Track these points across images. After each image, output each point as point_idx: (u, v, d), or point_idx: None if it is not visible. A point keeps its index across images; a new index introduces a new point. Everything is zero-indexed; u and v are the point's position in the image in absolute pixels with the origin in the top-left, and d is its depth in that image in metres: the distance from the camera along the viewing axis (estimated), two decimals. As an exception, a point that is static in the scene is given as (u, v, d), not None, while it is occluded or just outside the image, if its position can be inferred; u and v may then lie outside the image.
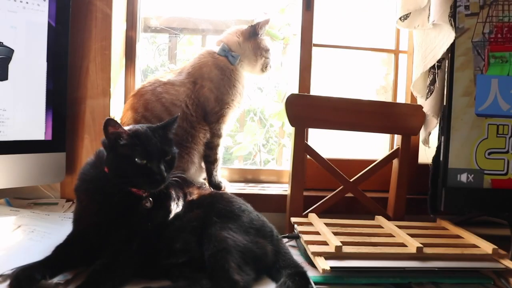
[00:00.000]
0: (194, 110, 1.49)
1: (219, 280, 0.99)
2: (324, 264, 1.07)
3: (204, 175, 1.59)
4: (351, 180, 1.54)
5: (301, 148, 1.48)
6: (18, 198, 1.55)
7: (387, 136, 1.87)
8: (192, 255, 1.08)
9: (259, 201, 1.53)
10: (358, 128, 1.54)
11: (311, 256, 1.14)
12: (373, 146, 1.92)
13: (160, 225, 1.12)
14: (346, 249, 1.15)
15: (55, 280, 1.01)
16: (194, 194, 1.24)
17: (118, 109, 1.61)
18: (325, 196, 1.54)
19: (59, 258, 1.06)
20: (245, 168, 1.86)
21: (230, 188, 1.60)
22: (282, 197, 1.59)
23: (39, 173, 1.45)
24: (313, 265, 1.17)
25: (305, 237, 1.23)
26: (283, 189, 1.70)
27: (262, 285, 1.09)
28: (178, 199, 1.19)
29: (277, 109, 2.11)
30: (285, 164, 2.06)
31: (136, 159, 1.06)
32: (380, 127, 1.56)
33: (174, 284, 1.01)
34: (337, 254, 1.13)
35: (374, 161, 1.61)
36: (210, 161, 1.55)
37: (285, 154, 2.11)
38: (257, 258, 1.10)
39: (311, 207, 1.51)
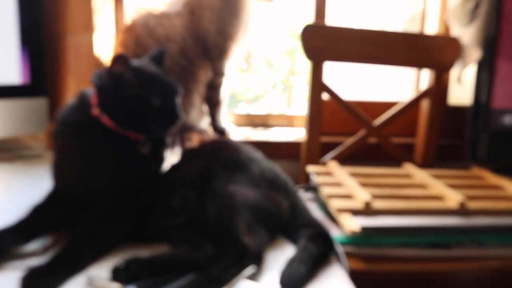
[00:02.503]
0: (193, 45, 1.29)
1: (226, 244, 0.82)
2: (352, 224, 0.90)
3: (206, 119, 1.41)
4: (375, 124, 1.34)
5: (319, 86, 1.27)
6: (-1, 151, 1.38)
7: (411, 76, 1.65)
8: (192, 215, 0.91)
9: (269, 148, 1.35)
10: (383, 62, 1.33)
11: (335, 213, 0.98)
12: (395, 87, 1.71)
13: (152, 178, 0.94)
14: (376, 203, 0.98)
15: (32, 247, 0.85)
16: (194, 141, 1.06)
17: (106, 46, 1.40)
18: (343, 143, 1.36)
19: (35, 220, 0.90)
20: (252, 113, 1.66)
21: (236, 134, 1.41)
22: (295, 144, 1.41)
23: (18, 122, 1.26)
24: (335, 221, 1.00)
25: (325, 190, 1.06)
26: (296, 134, 1.51)
27: (277, 247, 0.92)
28: (174, 147, 1.01)
29: (287, 46, 1.88)
30: (296, 107, 1.87)
31: (152, 101, 0.90)
32: (409, 61, 1.34)
33: (170, 252, 0.85)
34: (366, 210, 0.96)
35: (398, 103, 1.41)
36: (212, 103, 1.36)
37: (295, 96, 1.91)
38: (271, 215, 0.92)
39: (328, 154, 1.33)
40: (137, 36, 1.27)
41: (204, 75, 1.31)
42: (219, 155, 1.00)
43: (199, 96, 1.32)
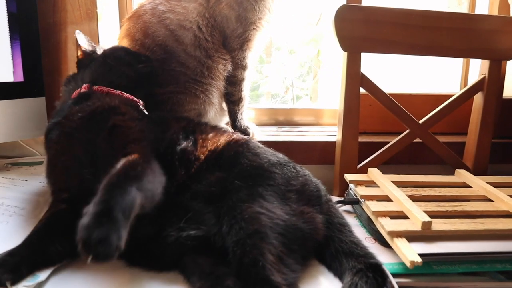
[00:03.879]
0: (209, 34, 1.12)
1: (250, 283, 0.66)
2: (411, 253, 0.73)
3: (226, 119, 1.24)
4: (420, 122, 1.16)
5: (356, 80, 1.10)
6: (-4, 158, 1.23)
7: (457, 66, 1.45)
8: (206, 230, 0.75)
9: (298, 150, 1.21)
10: (432, 52, 1.14)
11: (387, 237, 0.81)
12: (435, 76, 1.52)
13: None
14: (436, 224, 0.81)
15: (20, 285, 0.69)
16: (210, 142, 0.90)
17: (111, 37, 1.23)
18: (381, 143, 1.18)
19: (32, 251, 0.75)
20: (275, 108, 1.48)
21: (260, 134, 1.25)
22: (327, 144, 1.23)
23: (14, 125, 1.11)
24: (383, 242, 0.84)
25: (372, 206, 0.89)
26: (326, 133, 1.34)
27: (310, 275, 0.76)
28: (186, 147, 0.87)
29: (311, 34, 1.70)
30: (322, 101, 1.69)
31: None
32: (462, 50, 1.15)
33: None
34: (425, 233, 0.79)
35: (443, 96, 1.23)
36: (233, 100, 1.19)
37: (321, 88, 1.73)
38: (304, 238, 0.76)
39: (364, 156, 1.16)
40: (145, 24, 1.11)
41: (223, 69, 1.14)
42: (237, 161, 0.84)
43: (218, 92, 1.15)
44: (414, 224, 0.81)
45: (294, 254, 0.72)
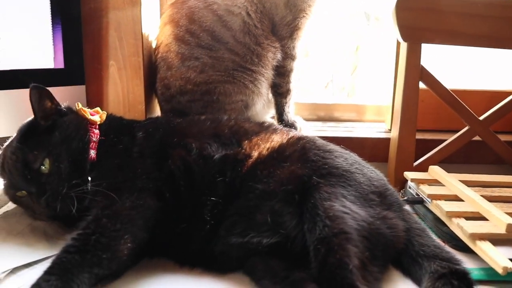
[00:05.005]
0: (258, 20, 1.06)
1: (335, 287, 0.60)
2: (501, 258, 0.66)
3: (272, 111, 1.18)
4: (481, 119, 1.09)
5: (416, 73, 1.03)
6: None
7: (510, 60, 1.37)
8: (285, 234, 0.69)
9: (347, 147, 1.12)
10: (498, 44, 1.07)
11: (468, 241, 0.74)
12: (486, 75, 1.43)
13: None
14: (521, 227, 0.74)
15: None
16: (260, 140, 0.83)
17: (153, 23, 1.17)
18: (435, 141, 1.13)
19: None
20: (317, 103, 1.42)
21: (307, 128, 1.18)
22: (378, 141, 1.18)
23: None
24: (455, 244, 0.78)
25: (444, 206, 0.82)
26: (375, 129, 1.27)
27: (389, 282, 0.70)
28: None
29: (350, 27, 1.63)
30: (359, 96, 1.62)
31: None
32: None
33: None
34: (510, 237, 0.72)
35: (499, 92, 1.17)
36: (281, 92, 1.13)
37: (358, 84, 1.66)
38: (387, 246, 0.70)
39: (417, 154, 1.09)
40: (190, 10, 1.06)
41: (272, 58, 1.08)
42: (308, 156, 0.78)
43: (267, 82, 1.09)
44: (496, 226, 0.74)
45: (377, 261, 0.67)
